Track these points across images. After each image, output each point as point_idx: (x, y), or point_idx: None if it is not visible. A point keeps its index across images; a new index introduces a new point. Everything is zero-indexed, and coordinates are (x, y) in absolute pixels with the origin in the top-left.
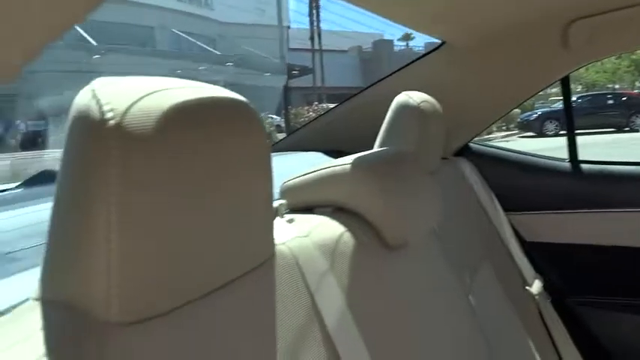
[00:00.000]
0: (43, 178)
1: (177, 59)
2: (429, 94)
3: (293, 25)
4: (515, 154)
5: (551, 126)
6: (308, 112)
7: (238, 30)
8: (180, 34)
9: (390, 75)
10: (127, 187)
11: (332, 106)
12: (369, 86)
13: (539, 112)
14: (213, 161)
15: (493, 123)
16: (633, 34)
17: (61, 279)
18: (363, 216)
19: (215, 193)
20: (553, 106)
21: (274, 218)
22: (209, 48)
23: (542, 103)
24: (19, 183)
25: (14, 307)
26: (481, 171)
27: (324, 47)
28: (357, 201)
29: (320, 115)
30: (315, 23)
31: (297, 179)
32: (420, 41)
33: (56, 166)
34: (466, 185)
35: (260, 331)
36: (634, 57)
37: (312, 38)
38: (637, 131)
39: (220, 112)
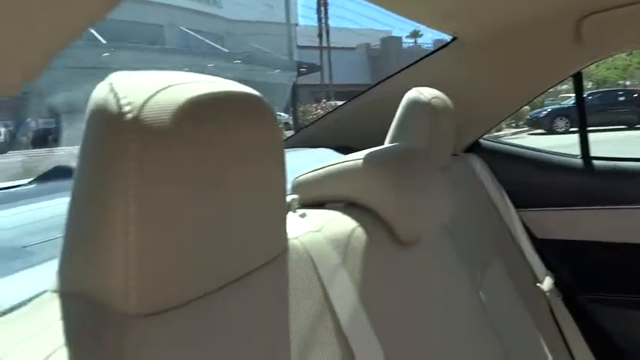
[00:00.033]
0: (56, 173)
1: (186, 56)
2: (440, 91)
3: (301, 20)
4: (526, 150)
5: (561, 123)
6: (316, 110)
7: (246, 27)
8: (189, 31)
9: (400, 72)
10: (145, 180)
11: (340, 103)
12: (379, 83)
13: (549, 109)
14: (228, 153)
15: (504, 119)
16: None
17: (79, 271)
18: (375, 211)
19: (230, 186)
20: (563, 102)
21: (287, 213)
22: (217, 45)
23: (552, 100)
24: (32, 179)
25: (32, 299)
26: (492, 167)
27: (332, 44)
28: (369, 196)
29: (329, 112)
30: (323, 20)
31: (308, 174)
32: (428, 38)
33: (68, 163)
34: (477, 181)
35: (274, 324)
36: None
37: (320, 35)
38: None
39: (234, 105)
